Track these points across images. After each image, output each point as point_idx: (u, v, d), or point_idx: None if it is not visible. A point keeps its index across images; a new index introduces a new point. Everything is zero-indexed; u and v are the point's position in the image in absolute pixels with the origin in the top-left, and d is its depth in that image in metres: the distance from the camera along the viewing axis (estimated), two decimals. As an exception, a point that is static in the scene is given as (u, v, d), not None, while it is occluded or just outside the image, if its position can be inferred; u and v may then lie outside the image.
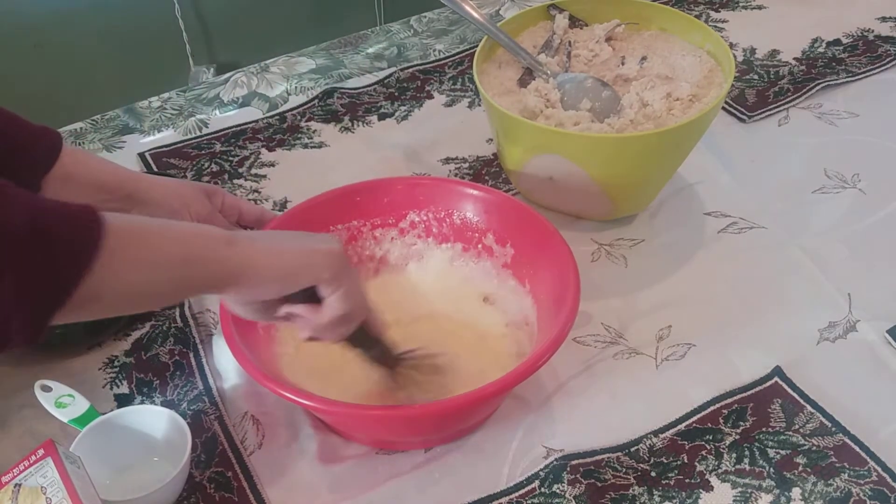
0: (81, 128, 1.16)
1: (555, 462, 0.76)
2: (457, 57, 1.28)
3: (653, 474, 0.75)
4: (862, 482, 0.74)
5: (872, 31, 1.30)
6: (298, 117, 1.17)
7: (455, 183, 0.96)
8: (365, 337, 0.71)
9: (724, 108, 1.15)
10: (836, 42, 1.29)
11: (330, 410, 0.73)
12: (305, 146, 1.12)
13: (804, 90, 1.18)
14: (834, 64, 1.23)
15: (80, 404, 0.77)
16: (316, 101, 1.19)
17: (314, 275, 0.64)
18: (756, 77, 1.22)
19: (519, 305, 0.85)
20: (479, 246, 0.89)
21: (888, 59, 1.24)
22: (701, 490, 0.74)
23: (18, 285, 0.51)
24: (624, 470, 0.75)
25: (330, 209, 0.88)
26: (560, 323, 0.74)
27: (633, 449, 0.77)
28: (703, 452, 0.77)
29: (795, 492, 0.74)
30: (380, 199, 0.90)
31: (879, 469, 0.75)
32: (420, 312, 0.87)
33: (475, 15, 0.98)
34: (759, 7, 1.37)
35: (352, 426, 0.77)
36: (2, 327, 0.51)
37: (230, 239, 0.61)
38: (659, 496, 0.74)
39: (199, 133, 1.15)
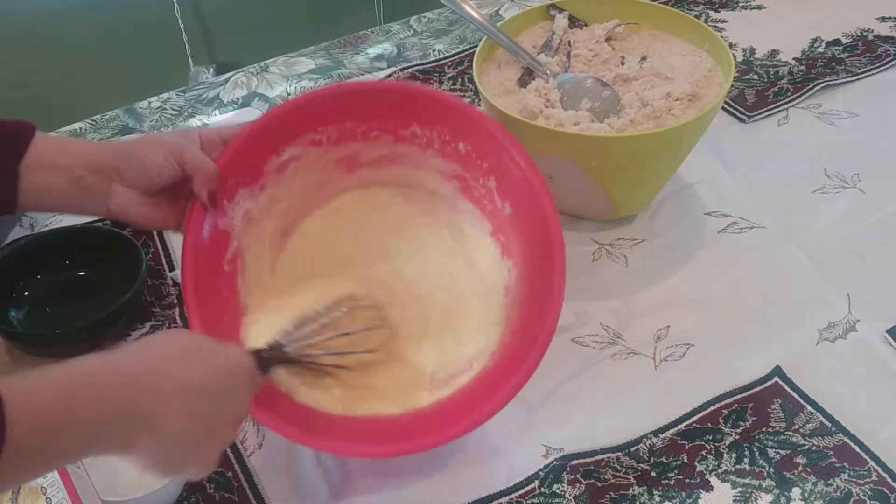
0: (81, 128, 1.16)
1: (555, 462, 0.76)
2: (456, 57, 1.28)
3: (653, 474, 0.75)
4: (862, 482, 0.74)
5: (872, 31, 1.30)
6: (298, 117, 1.16)
7: (468, 109, 0.79)
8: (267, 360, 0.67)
9: (723, 108, 1.15)
10: (836, 42, 1.29)
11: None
12: (305, 146, 1.12)
13: (804, 90, 1.18)
14: (833, 64, 1.23)
15: (80, 404, 0.77)
16: (316, 101, 1.19)
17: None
18: (756, 77, 1.22)
19: (500, 273, 0.78)
20: (480, 181, 0.79)
21: (888, 59, 1.24)
22: (701, 490, 0.74)
23: None
24: (624, 470, 0.75)
25: (317, 109, 0.79)
26: (535, 353, 0.69)
27: (633, 449, 0.77)
28: (703, 452, 0.77)
29: (795, 492, 0.74)
30: (378, 105, 0.79)
31: (879, 469, 0.75)
32: (388, 268, 0.80)
33: (475, 15, 0.98)
34: (759, 7, 1.37)
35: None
36: None
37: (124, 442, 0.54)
38: (659, 496, 0.74)
39: (198, 133, 1.15)
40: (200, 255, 0.73)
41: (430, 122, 0.79)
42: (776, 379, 0.83)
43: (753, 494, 0.74)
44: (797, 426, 0.79)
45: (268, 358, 0.67)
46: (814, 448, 0.77)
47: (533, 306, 0.74)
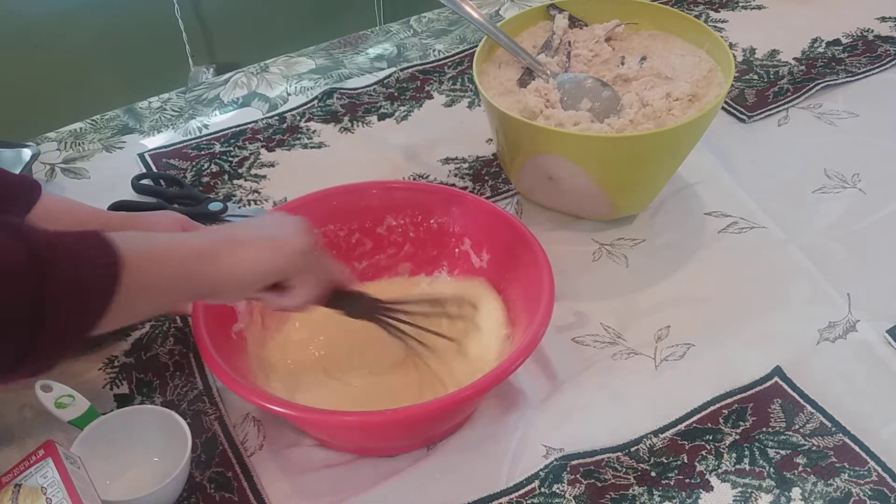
0: (81, 128, 1.16)
1: (555, 462, 0.76)
2: (456, 57, 1.28)
3: (653, 474, 0.75)
4: (862, 482, 0.74)
5: (872, 31, 1.30)
6: (298, 118, 1.17)
7: (432, 187, 0.94)
8: (341, 296, 0.74)
9: (724, 108, 1.15)
10: (836, 42, 1.29)
11: (306, 418, 0.73)
12: (305, 146, 1.12)
13: (804, 90, 1.18)
14: (833, 64, 1.23)
15: (80, 404, 0.77)
16: (315, 101, 1.19)
17: (280, 274, 0.69)
18: (756, 77, 1.22)
19: (493, 312, 0.84)
20: (456, 251, 0.88)
21: (888, 59, 1.24)
22: (701, 490, 0.74)
23: (50, 331, 0.54)
24: (624, 470, 0.75)
25: (306, 214, 0.87)
26: (533, 328, 0.73)
27: (633, 449, 0.77)
28: (703, 452, 0.77)
29: (795, 492, 0.74)
30: (356, 203, 0.89)
31: (879, 469, 0.75)
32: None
33: (475, 15, 0.98)
34: (759, 7, 1.37)
35: (324, 432, 0.77)
36: (19, 366, 0.54)
37: (210, 253, 0.65)
38: (659, 496, 0.74)
39: (198, 134, 1.15)
40: (210, 317, 0.76)
41: (402, 210, 0.88)
42: (776, 379, 0.82)
43: (753, 494, 0.74)
44: (797, 426, 0.79)
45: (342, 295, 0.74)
46: (814, 448, 0.77)
47: (528, 294, 0.79)
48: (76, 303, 0.55)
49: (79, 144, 1.13)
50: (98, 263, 0.57)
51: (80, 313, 0.56)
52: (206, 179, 1.07)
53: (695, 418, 0.79)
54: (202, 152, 1.11)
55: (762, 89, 1.19)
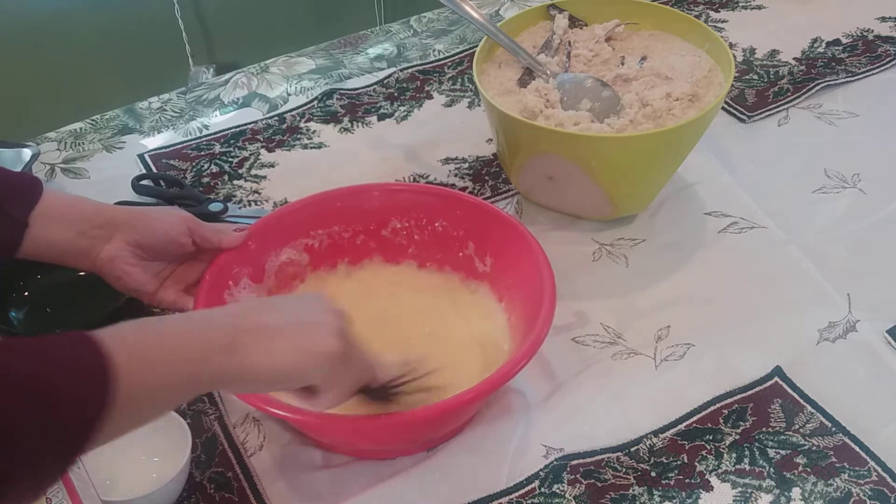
0: (81, 128, 1.16)
1: (554, 462, 0.76)
2: (456, 57, 1.28)
3: (653, 474, 0.75)
4: (862, 482, 0.74)
5: (872, 31, 1.30)
6: (298, 118, 1.17)
7: (437, 190, 0.93)
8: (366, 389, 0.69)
9: (724, 108, 1.15)
10: (836, 42, 1.29)
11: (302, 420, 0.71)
12: (305, 147, 1.12)
13: (804, 90, 1.18)
14: (833, 64, 1.23)
15: (80, 404, 0.77)
16: (315, 101, 1.19)
17: (306, 380, 0.62)
18: (756, 77, 1.22)
19: (493, 319, 0.84)
20: (460, 255, 0.88)
21: (888, 59, 1.24)
22: (701, 490, 0.74)
23: (32, 460, 0.46)
24: (624, 470, 0.75)
25: (309, 214, 0.87)
26: (535, 331, 0.73)
27: (633, 449, 0.77)
28: (703, 452, 0.77)
29: (795, 492, 0.74)
30: (361, 205, 0.89)
31: (879, 469, 0.75)
32: (388, 318, 0.86)
33: (475, 15, 0.98)
34: (759, 7, 1.37)
35: (324, 434, 0.77)
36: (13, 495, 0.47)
37: (230, 346, 0.57)
38: (659, 496, 0.74)
39: (198, 134, 1.15)
40: None
41: (407, 212, 0.88)
42: (776, 379, 0.83)
43: (753, 494, 0.74)
44: (797, 426, 0.79)
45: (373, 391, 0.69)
46: (814, 448, 0.77)
47: (530, 297, 0.79)
48: (53, 429, 0.46)
49: (79, 144, 1.13)
50: (82, 375, 0.48)
51: (60, 441, 0.47)
52: (206, 180, 1.07)
53: (695, 418, 0.79)
54: (202, 153, 1.11)
55: (762, 89, 1.19)
